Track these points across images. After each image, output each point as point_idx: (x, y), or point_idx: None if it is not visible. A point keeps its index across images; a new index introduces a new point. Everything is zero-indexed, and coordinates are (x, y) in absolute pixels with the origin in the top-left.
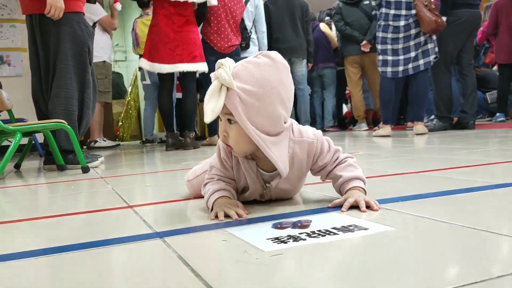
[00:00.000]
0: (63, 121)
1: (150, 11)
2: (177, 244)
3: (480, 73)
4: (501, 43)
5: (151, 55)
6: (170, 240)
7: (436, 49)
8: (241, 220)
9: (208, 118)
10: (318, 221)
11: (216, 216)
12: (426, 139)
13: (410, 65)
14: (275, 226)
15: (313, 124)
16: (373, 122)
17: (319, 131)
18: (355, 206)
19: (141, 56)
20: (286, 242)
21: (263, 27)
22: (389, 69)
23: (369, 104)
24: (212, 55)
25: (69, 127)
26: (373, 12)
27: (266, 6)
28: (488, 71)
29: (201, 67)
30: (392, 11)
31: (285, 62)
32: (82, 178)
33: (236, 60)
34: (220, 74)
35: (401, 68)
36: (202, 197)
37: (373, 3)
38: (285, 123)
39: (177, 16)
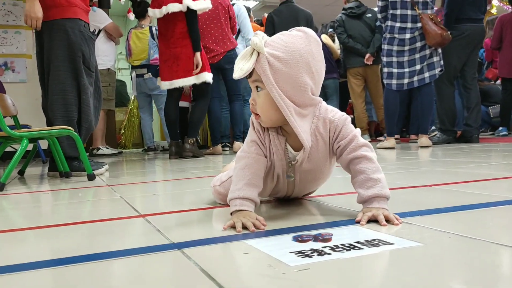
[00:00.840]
0: (70, 128)
1: (145, 23)
2: (197, 256)
3: (483, 87)
4: (505, 58)
5: (159, 73)
6: (189, 251)
7: (441, 62)
8: (259, 232)
9: (236, 74)
10: (340, 235)
11: (233, 227)
12: (430, 152)
13: (415, 78)
14: (296, 239)
15: None
16: (375, 134)
17: (348, 117)
18: (375, 220)
19: (133, 66)
20: (310, 256)
21: (250, 35)
22: (394, 81)
23: (371, 116)
24: None
25: (76, 134)
26: (377, 23)
27: (270, 17)
28: (490, 85)
29: (198, 79)
30: (398, 24)
31: (318, 38)
32: (88, 185)
33: (227, 70)
34: (252, 41)
35: (406, 81)
36: (228, 205)
37: (379, 16)
38: (313, 95)
39: (170, 32)
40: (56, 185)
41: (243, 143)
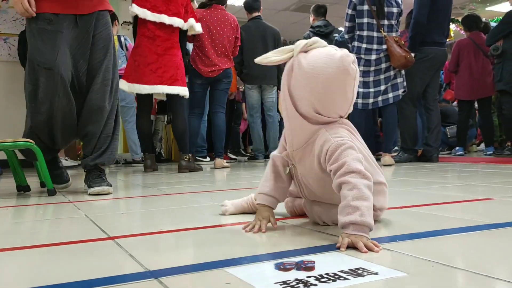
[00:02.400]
0: (30, 140)
1: (112, 32)
2: (177, 287)
3: (441, 108)
4: (461, 81)
5: (131, 76)
6: (167, 281)
7: (405, 83)
8: (239, 258)
9: (265, 58)
10: (322, 262)
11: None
12: (393, 170)
13: (380, 98)
14: (278, 267)
15: None
16: None
17: (347, 145)
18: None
19: None
20: None
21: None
22: (360, 100)
23: None
24: (198, 79)
25: (37, 147)
26: (337, 38)
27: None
28: (448, 106)
29: (182, 91)
30: (364, 45)
31: (350, 70)
32: (48, 201)
33: (224, 83)
34: (299, 41)
35: (371, 100)
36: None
37: (346, 36)
38: (317, 113)
39: (162, 40)
40: (13, 201)
41: (224, 159)
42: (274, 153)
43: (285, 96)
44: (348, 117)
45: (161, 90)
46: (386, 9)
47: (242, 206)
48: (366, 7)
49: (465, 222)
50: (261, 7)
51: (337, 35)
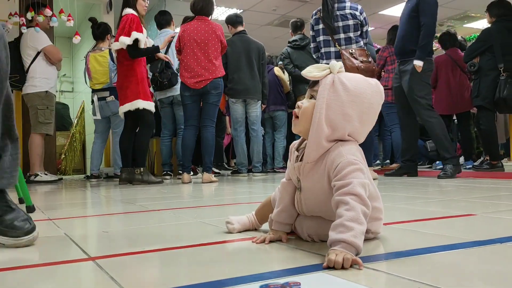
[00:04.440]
0: None
1: (104, 45)
2: None
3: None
4: (440, 96)
5: None
6: None
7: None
8: (225, 280)
9: (306, 71)
10: (308, 284)
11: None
12: (376, 184)
13: None
14: None
15: (263, 164)
16: None
17: (358, 166)
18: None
19: (93, 90)
20: None
21: None
22: None
23: None
24: (186, 91)
25: None
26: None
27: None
28: None
29: (132, 106)
30: (324, 61)
31: (383, 93)
32: None
33: (213, 95)
34: (332, 62)
35: None
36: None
37: (314, 56)
38: (348, 136)
39: (119, 66)
40: None
41: (213, 174)
42: (283, 180)
43: (321, 109)
44: None
45: (120, 111)
46: (341, 23)
47: (247, 224)
48: (321, 26)
49: (449, 240)
50: (243, 22)
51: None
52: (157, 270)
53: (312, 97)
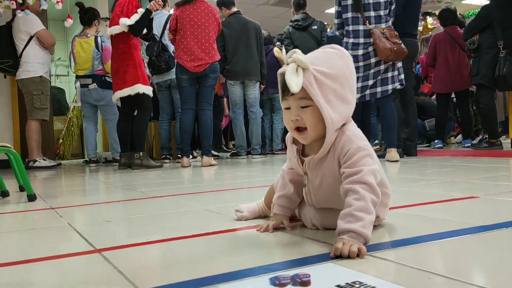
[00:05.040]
0: (7, 145)
1: (90, 31)
2: None
3: (419, 101)
4: (438, 74)
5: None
6: None
7: (401, 76)
8: (232, 273)
9: (295, 89)
10: (317, 275)
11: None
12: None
13: (367, 92)
14: (274, 283)
15: (262, 146)
16: None
17: (367, 151)
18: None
19: (77, 76)
20: None
21: None
22: None
23: None
24: (184, 74)
25: (14, 151)
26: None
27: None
28: (426, 99)
29: (132, 90)
30: (351, 40)
31: (348, 54)
32: (28, 208)
33: (210, 79)
34: (296, 58)
35: (358, 95)
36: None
37: (337, 33)
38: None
39: (114, 50)
40: None
41: (212, 157)
42: (284, 168)
43: (326, 109)
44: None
45: (116, 96)
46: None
47: (257, 211)
48: (350, 1)
49: (455, 225)
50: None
51: (315, 27)
52: (164, 263)
53: (304, 105)
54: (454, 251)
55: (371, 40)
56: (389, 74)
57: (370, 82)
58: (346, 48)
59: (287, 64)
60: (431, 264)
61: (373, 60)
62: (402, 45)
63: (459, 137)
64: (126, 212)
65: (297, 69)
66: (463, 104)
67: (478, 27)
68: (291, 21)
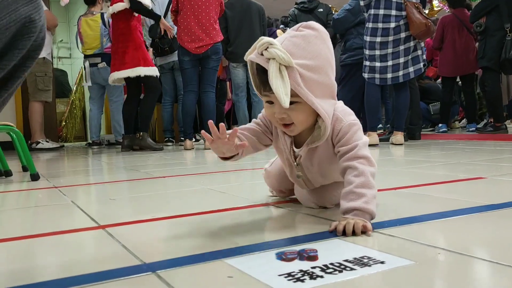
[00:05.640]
0: (11, 123)
1: (95, 9)
2: (177, 282)
3: (424, 85)
4: (445, 57)
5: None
6: (166, 275)
7: (424, 56)
8: (239, 248)
9: (286, 103)
10: (324, 250)
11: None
12: (378, 149)
13: (400, 73)
14: (280, 258)
15: None
16: None
17: (358, 125)
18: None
19: (85, 55)
20: (302, 281)
21: None
22: (377, 75)
23: None
24: (185, 56)
25: (17, 130)
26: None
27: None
28: (431, 83)
29: (132, 72)
30: (382, 11)
31: (323, 29)
32: (31, 187)
33: (213, 60)
34: (276, 55)
35: (389, 75)
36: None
37: (362, 3)
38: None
39: (114, 31)
40: None
41: None
42: (255, 122)
43: (318, 105)
44: (363, 92)
45: (114, 76)
46: None
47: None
48: None
49: (462, 204)
50: None
51: (321, 9)
52: (168, 239)
53: (291, 102)
54: (461, 229)
55: (403, 13)
56: (419, 52)
57: (401, 60)
58: (376, 21)
59: (261, 54)
60: (438, 240)
61: (403, 35)
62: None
63: (464, 121)
64: (130, 191)
65: (280, 68)
66: (469, 88)
67: (485, 9)
68: (296, 3)
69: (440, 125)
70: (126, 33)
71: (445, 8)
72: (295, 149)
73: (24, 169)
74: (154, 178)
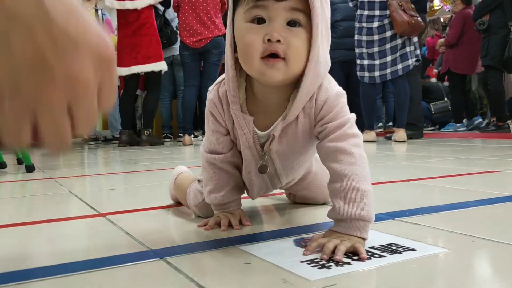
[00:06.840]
0: None
1: (89, 5)
2: (188, 268)
3: (425, 84)
4: (462, 53)
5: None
6: (175, 261)
7: (417, 51)
8: (253, 234)
9: None
10: None
11: (217, 224)
12: (377, 145)
13: (388, 70)
14: (299, 244)
15: None
16: None
17: (345, 94)
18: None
19: None
20: (329, 267)
21: None
22: (366, 74)
23: None
24: (185, 50)
25: None
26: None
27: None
28: (431, 82)
29: (156, 67)
30: (366, 12)
31: None
32: (27, 178)
33: (214, 55)
34: None
35: (377, 73)
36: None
37: (350, 4)
38: None
39: (130, 24)
40: None
41: None
42: (209, 156)
43: (321, 38)
44: (358, 91)
45: (136, 70)
46: None
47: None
48: None
49: (483, 195)
50: None
51: None
52: (174, 227)
53: (294, 22)
54: (489, 217)
55: (387, 12)
56: (408, 49)
57: (388, 58)
58: (360, 21)
59: None
60: (468, 228)
61: (388, 33)
62: (419, 18)
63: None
64: (129, 182)
65: None
66: (466, 87)
67: (488, 7)
68: None
69: (458, 124)
70: (150, 27)
71: (445, 8)
72: (260, 133)
73: (19, 161)
74: (154, 171)
